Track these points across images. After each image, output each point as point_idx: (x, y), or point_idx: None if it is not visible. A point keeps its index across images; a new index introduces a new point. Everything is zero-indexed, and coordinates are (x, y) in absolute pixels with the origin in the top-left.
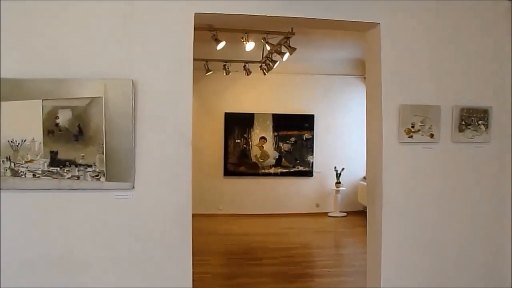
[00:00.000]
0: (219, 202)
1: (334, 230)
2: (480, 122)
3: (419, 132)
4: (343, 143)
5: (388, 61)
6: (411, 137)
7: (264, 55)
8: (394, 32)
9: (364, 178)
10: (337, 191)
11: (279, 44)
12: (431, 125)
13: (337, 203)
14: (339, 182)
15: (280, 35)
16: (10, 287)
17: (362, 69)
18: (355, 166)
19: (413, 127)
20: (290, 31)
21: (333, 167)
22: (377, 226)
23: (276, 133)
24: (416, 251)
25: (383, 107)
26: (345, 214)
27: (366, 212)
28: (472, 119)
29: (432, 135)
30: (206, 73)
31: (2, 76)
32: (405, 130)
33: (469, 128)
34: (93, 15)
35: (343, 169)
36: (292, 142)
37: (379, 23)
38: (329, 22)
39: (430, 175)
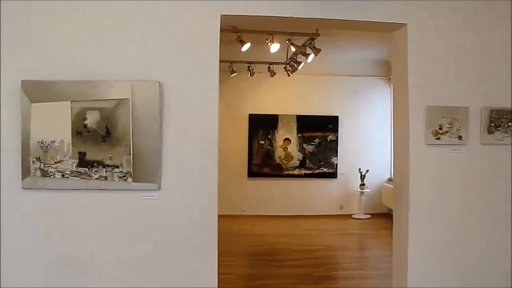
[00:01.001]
0: (243, 203)
1: (358, 232)
2: (510, 124)
3: (447, 134)
4: (368, 144)
5: (415, 62)
6: (438, 139)
7: (288, 56)
8: (421, 32)
9: (389, 180)
10: (362, 193)
11: (304, 45)
12: (459, 127)
13: (361, 205)
14: (364, 184)
15: (305, 36)
16: (39, 286)
17: (387, 70)
18: (380, 168)
19: (440, 128)
20: (315, 32)
21: (358, 169)
22: (404, 229)
23: (300, 135)
24: (442, 253)
25: (410, 109)
26: (369, 216)
27: (390, 214)
28: (501, 121)
29: (460, 137)
30: (231, 74)
31: (32, 79)
32: (432, 132)
33: (499, 130)
34: (121, 17)
35: (367, 170)
36: (316, 144)
37: (406, 23)
38: (355, 23)
39: (457, 178)
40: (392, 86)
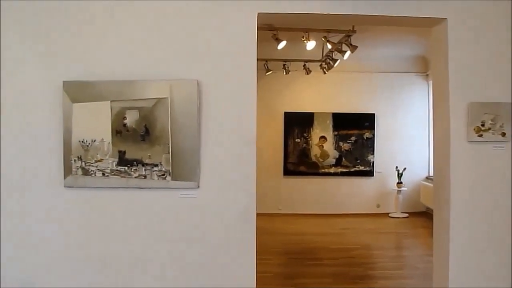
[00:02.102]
0: (278, 201)
1: (395, 231)
2: None
3: (490, 131)
4: (405, 142)
5: (456, 58)
6: (480, 135)
7: (324, 54)
8: (461, 27)
9: (427, 178)
10: (399, 192)
11: (340, 42)
12: (502, 123)
13: (399, 204)
14: (401, 182)
15: (341, 33)
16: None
17: (425, 66)
18: (418, 166)
19: (483, 125)
20: (352, 28)
21: (395, 167)
22: (445, 228)
23: (336, 132)
24: (485, 253)
25: (450, 105)
26: (406, 215)
27: (428, 213)
28: None
29: (503, 134)
30: (266, 72)
31: (73, 79)
32: (474, 129)
33: None
34: (159, 17)
35: (404, 169)
36: (353, 142)
37: (446, 18)
38: (393, 18)
39: (500, 175)
40: (430, 82)
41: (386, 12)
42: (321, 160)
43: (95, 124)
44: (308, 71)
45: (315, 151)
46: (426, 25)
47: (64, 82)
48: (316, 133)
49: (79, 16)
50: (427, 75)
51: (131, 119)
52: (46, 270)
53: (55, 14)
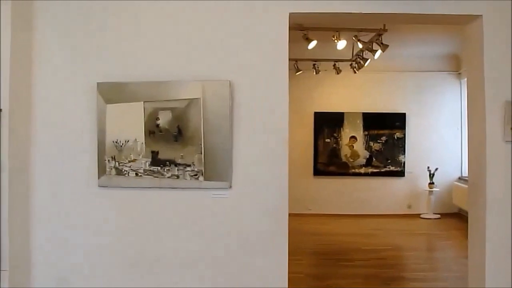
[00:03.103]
0: (308, 202)
1: (427, 233)
2: None
3: None
4: (437, 142)
5: (492, 56)
6: None
7: (354, 53)
8: (497, 24)
9: (460, 178)
10: (430, 192)
11: (371, 42)
12: None
13: (430, 205)
14: (433, 183)
15: (372, 32)
16: (110, 283)
17: (457, 65)
18: (450, 166)
19: None
20: (383, 27)
21: (426, 167)
22: (480, 229)
23: (366, 132)
24: None
25: (486, 105)
26: (438, 216)
27: (461, 214)
28: None
29: None
30: (296, 72)
31: (107, 81)
32: (511, 128)
33: None
34: (191, 18)
35: (436, 169)
36: (383, 142)
37: (481, 15)
38: (426, 16)
39: None
40: (463, 81)
41: (419, 10)
42: (351, 160)
43: (128, 124)
44: (338, 71)
45: (345, 151)
46: (460, 23)
47: (98, 83)
48: (346, 133)
49: (113, 18)
50: (459, 73)
51: (164, 119)
52: (80, 268)
53: (89, 17)
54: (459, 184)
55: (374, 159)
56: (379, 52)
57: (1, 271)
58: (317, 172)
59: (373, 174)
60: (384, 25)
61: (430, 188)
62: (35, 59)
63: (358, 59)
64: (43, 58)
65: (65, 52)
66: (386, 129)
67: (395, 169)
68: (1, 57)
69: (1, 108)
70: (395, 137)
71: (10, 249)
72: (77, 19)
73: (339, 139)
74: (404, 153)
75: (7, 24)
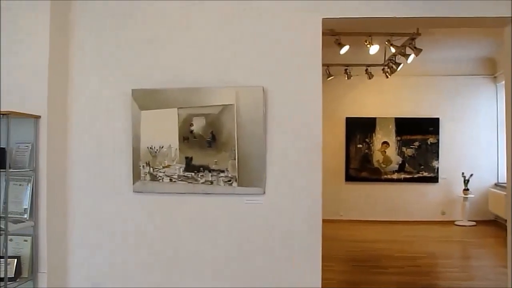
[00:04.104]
0: (340, 208)
1: (462, 240)
2: None
3: None
4: (472, 147)
5: None
6: None
7: (386, 58)
8: None
9: (496, 184)
10: (465, 199)
11: (404, 46)
12: None
13: (465, 211)
14: (467, 189)
15: (405, 36)
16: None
17: (492, 68)
18: (486, 172)
19: None
20: (416, 31)
21: (461, 173)
22: None
23: (399, 138)
24: None
25: None
26: (473, 223)
27: (498, 221)
28: None
29: None
30: (327, 78)
31: (141, 87)
32: None
33: None
34: (223, 25)
35: (471, 175)
36: (416, 147)
37: None
38: (460, 20)
39: None
40: (499, 84)
41: (453, 13)
42: (384, 166)
43: (162, 130)
44: (370, 76)
45: (377, 157)
46: (497, 25)
47: (133, 90)
48: (378, 138)
49: (148, 25)
50: (495, 77)
51: (198, 125)
52: (115, 271)
53: (124, 25)
54: (496, 190)
55: (406, 165)
56: (412, 56)
57: (40, 273)
58: (349, 177)
59: (405, 180)
60: (418, 29)
61: (465, 194)
62: (72, 66)
63: (391, 63)
64: (79, 65)
65: (101, 59)
66: (419, 134)
67: (429, 175)
68: (39, 64)
69: (40, 115)
70: (428, 143)
71: (48, 252)
72: (113, 27)
73: (371, 145)
74: (437, 159)
75: (45, 27)
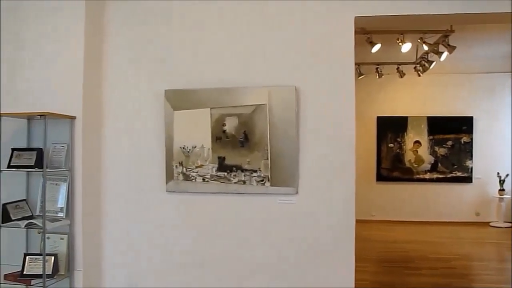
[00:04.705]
0: (371, 208)
1: (498, 242)
2: None
3: None
4: (507, 146)
5: None
6: None
7: (418, 56)
8: None
9: None
10: (501, 199)
11: (437, 43)
12: None
13: (501, 212)
14: (503, 190)
15: (438, 33)
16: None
17: None
18: None
19: None
20: (449, 28)
21: (496, 173)
22: None
23: (431, 137)
24: None
25: None
26: (510, 224)
27: None
28: None
29: None
30: (358, 77)
31: (174, 88)
32: None
33: None
34: (255, 24)
35: (507, 175)
36: (449, 146)
37: None
38: (496, 15)
39: None
40: None
41: (488, 9)
42: (416, 165)
43: (195, 130)
44: (401, 74)
45: (409, 156)
46: None
47: (165, 90)
48: (410, 138)
49: (180, 26)
50: None
51: (230, 125)
52: (149, 271)
53: (157, 26)
54: None
55: (439, 165)
56: (445, 54)
57: (76, 271)
58: (380, 177)
59: (438, 180)
60: (451, 25)
61: (501, 195)
62: (106, 67)
63: (423, 61)
64: (113, 66)
65: (134, 60)
66: (452, 133)
67: (462, 175)
68: (74, 66)
69: (75, 115)
70: (462, 142)
71: (84, 251)
72: (146, 28)
73: (402, 144)
74: (471, 158)
75: (80, 29)
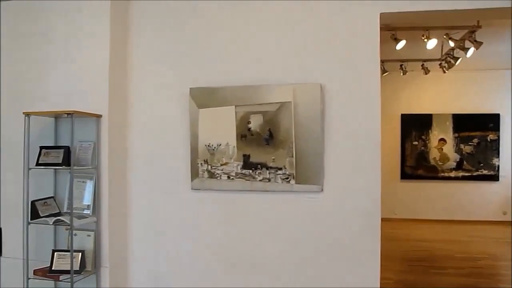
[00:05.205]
0: (395, 206)
1: None
2: None
3: None
4: None
5: None
6: None
7: (444, 52)
8: None
9: None
10: None
11: (463, 39)
12: None
13: None
14: None
15: (464, 29)
16: (204, 283)
17: None
18: None
19: None
20: (476, 24)
21: None
22: None
23: (456, 134)
24: None
25: None
26: None
27: None
28: None
29: None
30: (382, 74)
31: (199, 86)
32: None
33: None
34: (280, 22)
35: None
36: (475, 144)
37: None
38: None
39: None
40: None
41: None
42: (441, 163)
43: (220, 128)
44: (426, 71)
45: (434, 154)
46: None
47: (190, 88)
48: (435, 135)
49: (204, 24)
50: None
51: (255, 123)
52: (174, 268)
53: (182, 24)
54: None
55: (465, 162)
56: (471, 50)
57: (103, 267)
58: (405, 175)
59: (464, 178)
60: (478, 21)
61: None
62: (131, 66)
63: (448, 58)
64: (138, 65)
65: (159, 58)
66: (478, 130)
67: (488, 173)
68: (100, 65)
69: (101, 114)
70: (488, 139)
71: (110, 247)
72: (171, 26)
73: (427, 142)
74: (498, 156)
75: (105, 28)
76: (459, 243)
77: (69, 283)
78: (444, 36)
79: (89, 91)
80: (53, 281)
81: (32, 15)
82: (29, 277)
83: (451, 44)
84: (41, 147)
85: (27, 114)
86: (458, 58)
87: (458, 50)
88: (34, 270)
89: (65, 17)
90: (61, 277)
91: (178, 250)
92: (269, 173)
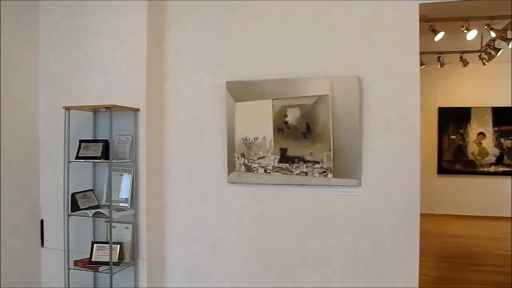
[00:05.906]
0: (431, 201)
1: None
2: None
3: None
4: None
5: None
6: None
7: (484, 43)
8: None
9: None
10: None
11: (505, 29)
12: None
13: None
14: None
15: (506, 19)
16: (240, 276)
17: None
18: None
19: None
20: None
21: None
22: None
23: (496, 128)
24: None
25: None
26: None
27: None
28: None
29: None
30: (420, 66)
31: (236, 79)
32: None
33: None
34: (319, 14)
35: None
36: None
37: None
38: None
39: None
40: None
41: None
42: (479, 158)
43: (257, 122)
44: (465, 63)
45: (472, 149)
46: None
47: (227, 82)
48: (473, 129)
49: (241, 18)
50: None
51: (292, 116)
52: (211, 262)
53: (218, 18)
54: None
55: (505, 157)
56: None
57: (140, 259)
58: (442, 170)
59: (504, 174)
60: None
61: None
62: (167, 60)
63: (489, 49)
64: (174, 59)
65: (195, 53)
66: None
67: None
68: (137, 60)
69: (139, 108)
70: None
71: (148, 240)
72: (207, 20)
73: (465, 136)
74: None
75: (143, 24)
76: (498, 240)
77: (108, 274)
78: (485, 27)
79: (127, 86)
80: (92, 272)
81: (71, 13)
82: (69, 267)
83: (492, 34)
84: (81, 141)
85: (67, 109)
86: (500, 49)
87: (499, 41)
88: (75, 261)
89: (103, 14)
90: (100, 268)
91: (214, 243)
92: (306, 166)
